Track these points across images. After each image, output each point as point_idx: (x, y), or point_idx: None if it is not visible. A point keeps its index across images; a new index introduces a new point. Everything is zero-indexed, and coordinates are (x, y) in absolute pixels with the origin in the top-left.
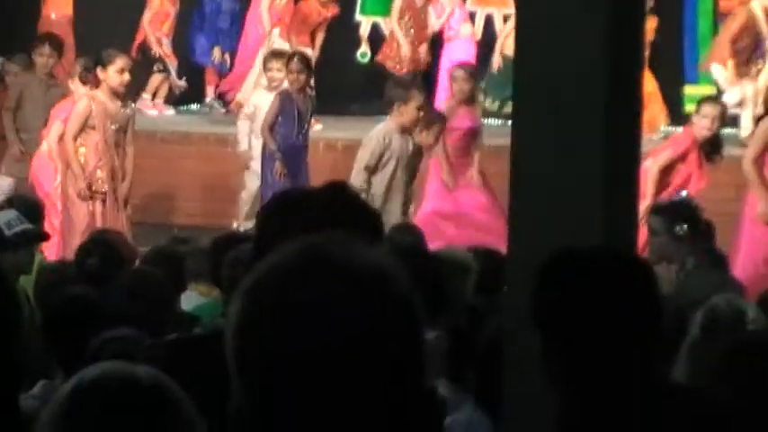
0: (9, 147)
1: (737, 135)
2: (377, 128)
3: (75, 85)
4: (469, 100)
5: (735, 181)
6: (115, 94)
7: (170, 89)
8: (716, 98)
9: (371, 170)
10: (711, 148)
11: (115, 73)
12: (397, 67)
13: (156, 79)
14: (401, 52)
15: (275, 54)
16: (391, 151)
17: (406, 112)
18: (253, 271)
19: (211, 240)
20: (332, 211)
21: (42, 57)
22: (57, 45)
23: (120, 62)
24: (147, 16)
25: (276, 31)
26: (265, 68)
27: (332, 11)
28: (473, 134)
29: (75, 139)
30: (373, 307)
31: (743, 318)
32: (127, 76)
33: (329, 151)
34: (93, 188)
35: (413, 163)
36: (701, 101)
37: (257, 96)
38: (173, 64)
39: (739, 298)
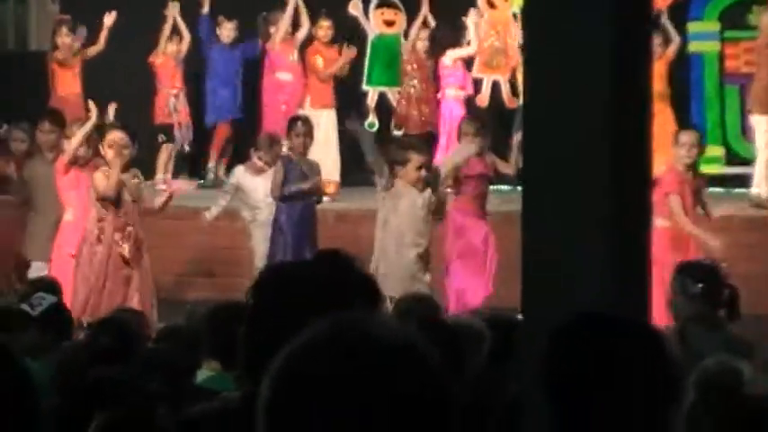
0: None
1: (748, 194)
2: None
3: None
4: (480, 151)
5: (741, 240)
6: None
7: (176, 162)
8: (692, 127)
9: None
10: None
11: (107, 148)
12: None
13: (163, 154)
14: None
15: (270, 141)
16: (400, 209)
17: (406, 174)
18: (283, 349)
19: (209, 312)
20: (326, 280)
21: (43, 133)
22: (57, 120)
23: (110, 137)
24: (158, 81)
25: (308, 101)
26: (254, 149)
27: (334, 53)
28: (486, 180)
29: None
30: (410, 380)
31: (738, 380)
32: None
33: (339, 222)
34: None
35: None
36: (677, 132)
37: (243, 177)
38: (185, 123)
39: (734, 359)
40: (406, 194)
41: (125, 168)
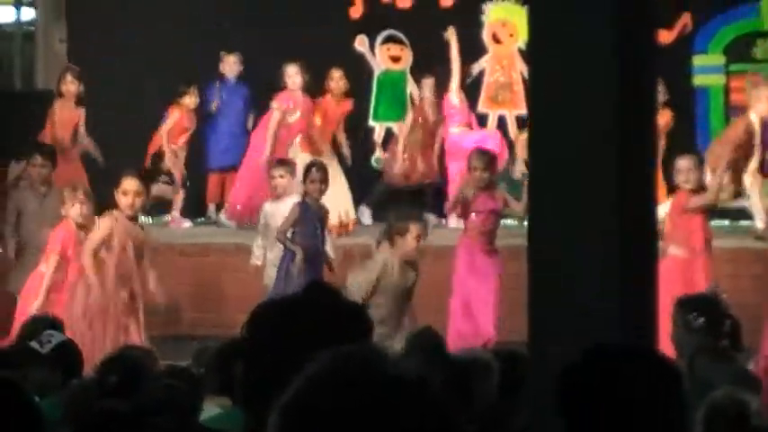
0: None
1: (753, 226)
2: (380, 256)
3: (67, 211)
4: (489, 185)
5: (747, 272)
6: (129, 216)
7: (185, 201)
8: (690, 151)
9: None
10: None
11: (121, 195)
12: (396, 180)
13: (162, 190)
14: (395, 168)
15: (278, 162)
16: (389, 281)
17: (405, 243)
18: (291, 386)
19: (217, 349)
20: (317, 312)
21: (35, 167)
22: (49, 154)
23: (125, 184)
24: (165, 127)
25: (297, 140)
26: (269, 176)
27: (346, 107)
28: (496, 216)
29: (95, 256)
30: (414, 411)
31: (745, 411)
32: (131, 199)
33: (346, 258)
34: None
35: (409, 292)
36: (677, 158)
37: (266, 207)
38: (179, 182)
39: (741, 391)
40: (398, 271)
41: (134, 218)
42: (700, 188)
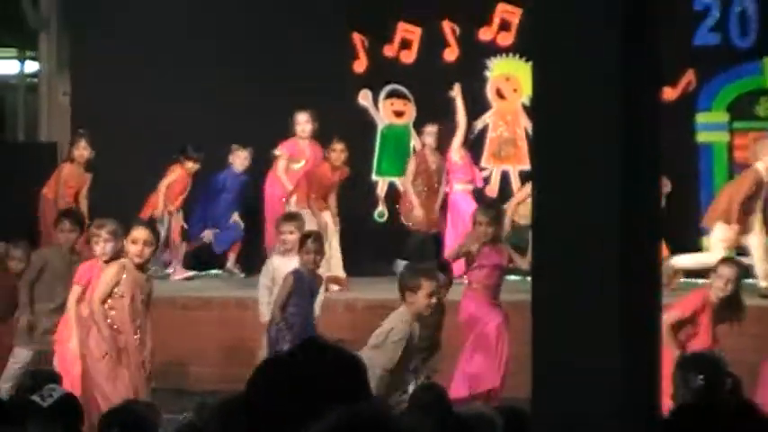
0: (20, 318)
1: (756, 285)
2: (395, 317)
3: (93, 248)
4: (494, 240)
5: (749, 330)
6: (137, 265)
7: (186, 254)
8: (733, 259)
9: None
10: (732, 309)
11: (130, 243)
12: (412, 225)
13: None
14: (414, 213)
15: (288, 217)
16: (408, 341)
17: (417, 300)
18: None
19: (219, 404)
20: (315, 368)
21: (64, 232)
22: (77, 220)
23: (135, 233)
24: (166, 181)
25: (293, 199)
26: (278, 231)
27: (342, 174)
28: (500, 270)
29: (104, 302)
30: None
31: None
32: (140, 248)
33: (348, 312)
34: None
35: (427, 348)
36: (720, 261)
37: (275, 262)
38: (177, 243)
39: None
40: (412, 327)
41: (143, 268)
42: (735, 300)
